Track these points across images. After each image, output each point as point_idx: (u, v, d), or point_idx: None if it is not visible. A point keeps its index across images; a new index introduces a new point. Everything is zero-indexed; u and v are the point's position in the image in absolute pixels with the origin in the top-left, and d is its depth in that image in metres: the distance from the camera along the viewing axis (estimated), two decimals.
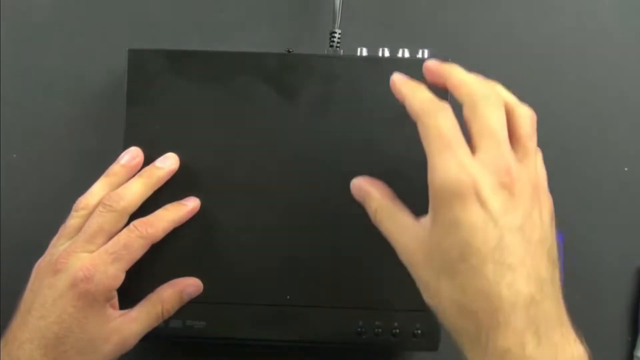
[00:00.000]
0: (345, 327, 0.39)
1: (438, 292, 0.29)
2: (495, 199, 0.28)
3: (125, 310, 0.37)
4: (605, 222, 0.47)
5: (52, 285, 0.34)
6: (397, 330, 0.39)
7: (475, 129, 0.30)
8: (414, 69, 0.40)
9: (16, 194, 0.46)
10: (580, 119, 0.47)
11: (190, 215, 0.38)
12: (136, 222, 0.36)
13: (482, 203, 0.27)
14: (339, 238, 0.39)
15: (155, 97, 0.40)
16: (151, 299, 0.37)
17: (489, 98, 0.30)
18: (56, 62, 0.47)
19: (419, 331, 0.39)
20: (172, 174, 0.39)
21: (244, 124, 0.40)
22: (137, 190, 0.37)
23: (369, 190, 0.34)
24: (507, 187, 0.28)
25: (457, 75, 0.31)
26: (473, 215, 0.27)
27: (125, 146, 0.40)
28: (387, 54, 0.41)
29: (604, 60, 0.48)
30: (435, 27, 0.48)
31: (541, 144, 0.47)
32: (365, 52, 0.41)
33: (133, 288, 0.38)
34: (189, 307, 0.39)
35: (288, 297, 0.39)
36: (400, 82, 0.32)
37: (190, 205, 0.38)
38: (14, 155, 0.46)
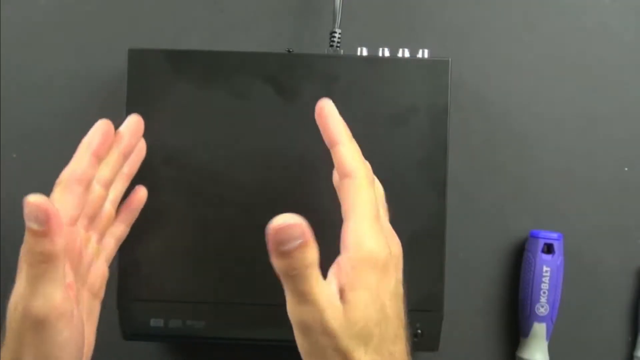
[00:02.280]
0: None
1: (352, 355, 0.29)
2: (399, 273, 0.31)
3: None
4: (605, 223, 0.47)
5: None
6: None
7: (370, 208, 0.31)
8: (414, 69, 0.40)
9: (16, 194, 0.46)
10: (580, 118, 0.47)
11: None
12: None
13: (395, 274, 0.30)
14: (339, 237, 0.39)
15: (155, 97, 0.40)
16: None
17: (370, 175, 0.32)
18: (56, 62, 0.47)
19: (419, 331, 0.39)
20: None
21: (244, 124, 0.40)
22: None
23: (308, 237, 0.29)
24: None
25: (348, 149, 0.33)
26: (391, 285, 0.30)
27: None
28: (387, 53, 0.41)
29: (604, 60, 0.48)
30: (435, 27, 0.48)
31: (541, 143, 0.48)
32: (365, 52, 0.41)
33: (132, 288, 0.38)
34: (189, 307, 0.39)
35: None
36: (337, 120, 0.33)
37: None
38: (14, 155, 0.46)
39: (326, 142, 0.33)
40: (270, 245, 0.27)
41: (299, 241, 0.26)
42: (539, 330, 0.44)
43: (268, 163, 0.40)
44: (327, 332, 0.28)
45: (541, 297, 0.44)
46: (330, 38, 0.43)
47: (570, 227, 0.46)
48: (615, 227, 0.47)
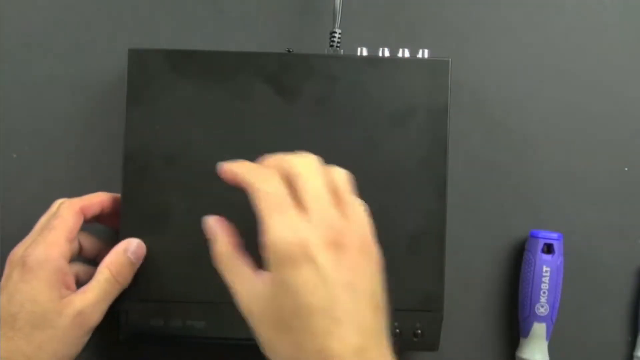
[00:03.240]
0: None
1: (274, 347, 0.30)
2: (324, 257, 0.29)
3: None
4: (605, 222, 0.47)
5: (7, 273, 0.36)
6: (397, 330, 0.39)
7: (301, 194, 0.31)
8: (413, 69, 0.40)
9: (16, 194, 0.46)
10: (580, 118, 0.47)
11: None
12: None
13: (312, 262, 0.29)
14: None
15: (155, 97, 0.40)
16: (98, 268, 0.38)
17: (309, 166, 0.32)
18: (56, 62, 0.47)
19: (420, 331, 0.39)
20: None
21: (244, 124, 0.40)
22: None
23: (215, 232, 0.34)
24: (335, 244, 0.30)
25: (269, 162, 0.33)
26: (303, 275, 0.29)
27: (126, 146, 0.40)
28: (387, 54, 0.41)
29: (604, 60, 0.48)
30: (435, 27, 0.48)
31: (541, 143, 0.48)
32: (365, 52, 0.41)
33: (130, 287, 0.38)
34: (189, 307, 0.39)
35: None
36: (228, 167, 0.34)
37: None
38: (14, 155, 0.46)
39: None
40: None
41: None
42: (539, 330, 0.44)
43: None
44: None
45: (541, 297, 0.44)
46: (330, 38, 0.43)
47: (570, 227, 0.46)
48: (615, 227, 0.47)
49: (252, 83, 0.40)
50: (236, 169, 0.33)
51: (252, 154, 0.39)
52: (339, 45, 0.43)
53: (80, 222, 0.39)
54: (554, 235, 0.45)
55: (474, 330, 0.47)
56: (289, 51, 0.41)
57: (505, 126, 0.47)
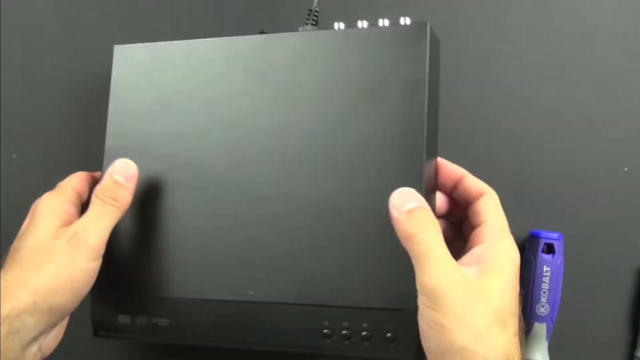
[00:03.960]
0: (309, 327, 0.35)
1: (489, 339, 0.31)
2: None
3: None
4: (605, 222, 0.47)
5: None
6: (368, 333, 0.34)
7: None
8: (388, 39, 0.36)
9: (16, 194, 0.46)
10: (580, 119, 0.47)
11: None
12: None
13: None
14: (304, 227, 0.36)
15: (137, 92, 0.40)
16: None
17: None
18: (56, 62, 0.47)
19: (391, 334, 0.34)
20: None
21: (222, 113, 0.38)
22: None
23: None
24: None
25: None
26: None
27: (108, 143, 0.40)
28: (365, 26, 0.37)
29: (604, 60, 0.48)
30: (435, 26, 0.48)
31: (542, 143, 0.47)
32: (342, 27, 0.38)
33: (103, 282, 0.36)
34: (152, 303, 0.37)
35: (250, 292, 0.36)
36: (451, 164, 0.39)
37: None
38: (14, 155, 0.46)
39: (446, 183, 0.39)
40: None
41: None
42: (540, 330, 0.44)
43: (243, 153, 0.38)
44: None
45: (541, 297, 0.44)
46: (309, 16, 0.41)
47: (570, 227, 0.46)
48: (615, 227, 0.47)
49: (227, 70, 0.39)
50: (460, 170, 0.40)
51: (233, 144, 0.38)
52: (315, 22, 0.41)
53: (86, 184, 0.40)
54: (555, 235, 0.45)
55: None
56: (262, 32, 0.39)
57: (505, 126, 0.47)
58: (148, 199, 0.39)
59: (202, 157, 0.38)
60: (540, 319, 0.44)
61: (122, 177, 0.38)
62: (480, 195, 0.37)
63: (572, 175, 0.47)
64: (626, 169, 0.47)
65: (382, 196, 0.33)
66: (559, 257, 0.44)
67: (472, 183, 0.38)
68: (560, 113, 0.47)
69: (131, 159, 0.38)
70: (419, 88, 0.35)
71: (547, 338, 0.45)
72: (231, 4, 0.47)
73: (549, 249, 0.44)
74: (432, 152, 0.37)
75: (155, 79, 0.40)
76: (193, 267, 0.38)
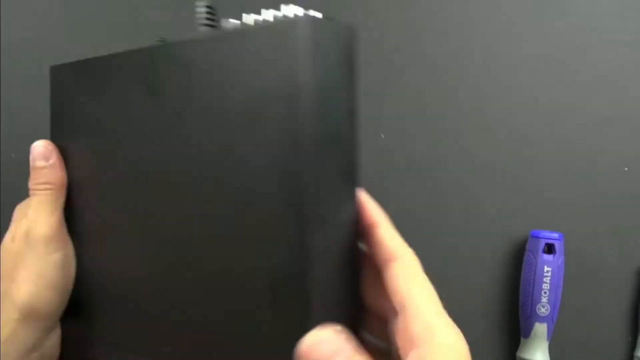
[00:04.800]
0: None
1: None
2: None
3: None
4: (605, 222, 0.47)
5: None
6: None
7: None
8: (263, 40, 0.26)
9: (16, 194, 0.46)
10: (580, 119, 0.47)
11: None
12: None
13: None
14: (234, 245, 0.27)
15: (65, 113, 0.38)
16: None
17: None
18: (56, 62, 0.47)
19: None
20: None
21: (127, 133, 0.33)
22: None
23: None
24: None
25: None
26: None
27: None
28: (251, 21, 0.27)
29: (604, 60, 0.48)
30: (435, 27, 0.48)
31: (541, 143, 0.48)
32: (230, 25, 0.29)
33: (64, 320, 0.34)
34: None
35: (166, 349, 0.30)
36: (373, 204, 0.27)
37: None
38: (14, 155, 0.46)
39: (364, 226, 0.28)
40: None
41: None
42: (540, 330, 0.44)
43: (151, 176, 0.32)
44: None
45: (542, 298, 0.44)
46: (202, 14, 0.31)
47: (570, 227, 0.46)
48: (615, 227, 0.47)
49: (128, 86, 0.33)
50: (376, 216, 0.27)
51: (140, 168, 0.33)
52: (212, 21, 0.31)
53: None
54: (555, 235, 0.45)
55: (474, 331, 0.47)
56: (162, 41, 0.32)
57: (504, 126, 0.48)
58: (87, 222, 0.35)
59: (114, 184, 0.34)
60: (541, 319, 0.44)
61: (41, 160, 0.37)
62: (387, 260, 0.26)
63: (572, 175, 0.47)
64: (626, 169, 0.47)
65: (263, 245, 0.26)
66: (559, 257, 0.44)
67: (380, 240, 0.27)
68: (560, 113, 0.47)
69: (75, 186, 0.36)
70: (302, 103, 0.25)
71: (547, 338, 0.45)
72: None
73: (550, 249, 0.44)
74: (338, 185, 0.26)
75: (78, 99, 0.37)
76: (110, 315, 0.33)
